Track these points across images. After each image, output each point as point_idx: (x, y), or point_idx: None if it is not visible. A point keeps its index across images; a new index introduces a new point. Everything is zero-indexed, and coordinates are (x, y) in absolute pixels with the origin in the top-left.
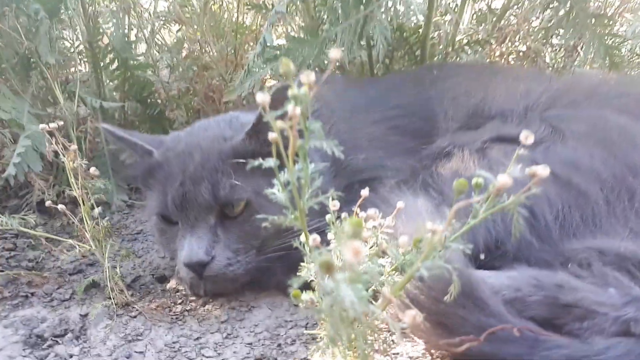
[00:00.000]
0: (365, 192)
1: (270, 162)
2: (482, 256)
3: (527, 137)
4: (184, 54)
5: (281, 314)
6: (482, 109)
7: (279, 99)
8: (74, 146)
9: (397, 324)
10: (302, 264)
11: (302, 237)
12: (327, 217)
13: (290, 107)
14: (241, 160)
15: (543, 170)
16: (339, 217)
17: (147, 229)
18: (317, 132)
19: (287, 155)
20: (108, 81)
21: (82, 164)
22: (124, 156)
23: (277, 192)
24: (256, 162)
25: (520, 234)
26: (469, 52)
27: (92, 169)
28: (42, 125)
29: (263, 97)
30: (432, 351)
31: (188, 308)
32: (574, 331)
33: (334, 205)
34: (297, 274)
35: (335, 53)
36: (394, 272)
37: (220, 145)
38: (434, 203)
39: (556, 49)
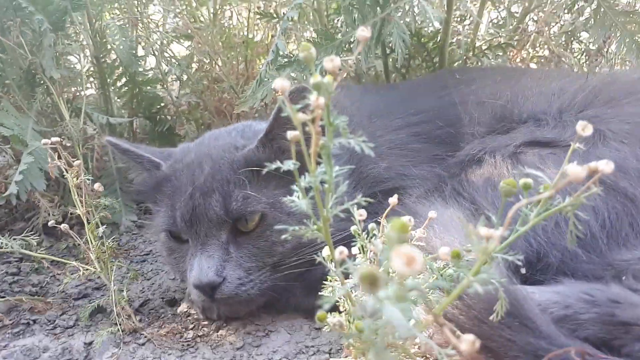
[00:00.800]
0: (393, 199)
1: (290, 165)
2: (523, 270)
3: (584, 127)
4: (193, 68)
5: (301, 338)
6: (511, 111)
7: (295, 100)
8: (78, 161)
9: (445, 350)
10: (325, 282)
11: (325, 251)
12: (353, 228)
13: (312, 98)
14: (255, 169)
15: (606, 166)
16: (365, 229)
17: (156, 250)
18: (342, 128)
19: (308, 155)
20: (116, 98)
21: (86, 179)
22: (132, 175)
23: (296, 200)
24: (273, 166)
25: (564, 245)
26: (490, 57)
27: (97, 185)
28: (44, 140)
29: (282, 83)
30: None
31: (200, 334)
32: (634, 353)
33: (360, 214)
34: (319, 293)
35: (336, 60)
36: (428, 289)
37: (232, 154)
38: (466, 213)
39: (578, 53)
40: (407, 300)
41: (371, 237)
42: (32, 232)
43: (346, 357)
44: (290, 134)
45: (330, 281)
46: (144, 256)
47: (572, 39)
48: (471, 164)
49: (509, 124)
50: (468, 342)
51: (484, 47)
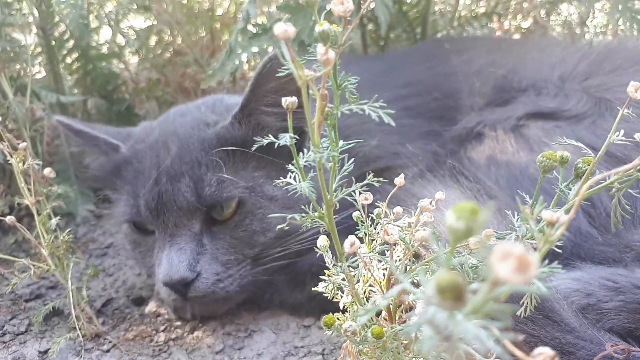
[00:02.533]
0: (399, 179)
1: (287, 138)
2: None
3: (637, 89)
4: (154, 40)
5: (288, 338)
6: (510, 81)
7: (273, 70)
8: (24, 144)
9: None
10: (312, 275)
11: (321, 241)
12: (355, 214)
13: (320, 49)
14: (230, 149)
15: None
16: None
17: (118, 242)
18: (350, 93)
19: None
20: (67, 75)
21: (35, 164)
22: (89, 159)
23: (292, 182)
24: (265, 141)
25: (575, 225)
26: (475, 26)
27: (47, 170)
28: None
29: (285, 28)
30: None
31: (173, 336)
32: None
33: (365, 197)
34: (307, 288)
35: (348, 3)
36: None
37: (202, 132)
38: (468, 194)
39: (558, 25)
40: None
41: (376, 225)
42: None
43: (345, 357)
44: (287, 100)
45: (330, 276)
46: (105, 249)
47: (553, 10)
48: (470, 139)
49: (508, 95)
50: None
51: (469, 17)
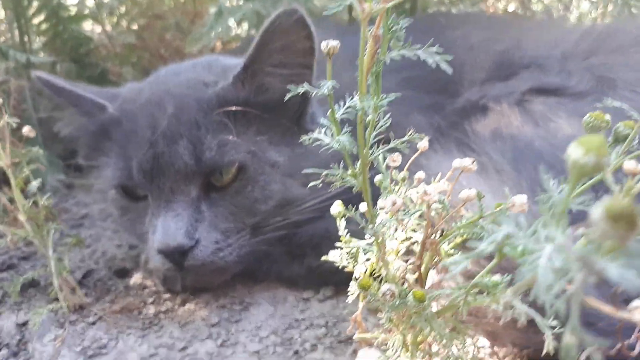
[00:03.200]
0: (423, 143)
1: (328, 86)
2: None
3: None
4: (132, 3)
5: (287, 311)
6: (512, 56)
7: (279, 30)
8: None
9: None
10: (311, 246)
11: (335, 208)
12: (378, 177)
13: None
14: (231, 109)
15: None
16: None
17: (93, 212)
18: (396, 40)
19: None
20: (36, 36)
21: (13, 123)
22: (58, 126)
23: (323, 137)
24: (300, 89)
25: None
26: (468, 5)
27: (27, 129)
28: None
29: None
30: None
31: (163, 309)
32: None
33: (394, 159)
34: (311, 260)
35: None
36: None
37: (200, 92)
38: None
39: (544, 9)
40: None
41: (399, 188)
42: None
43: (354, 329)
44: (328, 44)
45: (347, 242)
46: (80, 220)
47: None
48: (474, 112)
49: (509, 70)
50: None
51: None
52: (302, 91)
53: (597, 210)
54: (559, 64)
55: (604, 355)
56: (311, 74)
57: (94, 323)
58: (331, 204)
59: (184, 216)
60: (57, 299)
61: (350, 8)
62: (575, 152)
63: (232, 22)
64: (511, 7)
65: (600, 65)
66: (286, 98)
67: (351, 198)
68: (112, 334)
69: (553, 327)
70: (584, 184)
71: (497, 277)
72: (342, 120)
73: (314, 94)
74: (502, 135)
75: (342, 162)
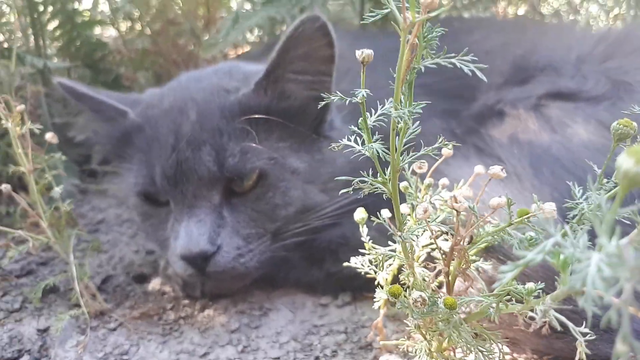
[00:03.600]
0: (448, 151)
1: (362, 94)
2: None
3: None
4: (147, 8)
5: (306, 316)
6: (528, 60)
7: (302, 37)
8: (21, 106)
9: None
10: (330, 252)
11: (359, 214)
12: (403, 184)
13: None
14: (253, 117)
15: None
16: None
17: (110, 217)
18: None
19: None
20: (50, 42)
21: (35, 129)
22: (73, 132)
23: (352, 144)
24: (334, 97)
25: None
26: (480, 9)
27: (50, 135)
28: None
29: None
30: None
31: (183, 315)
32: None
33: (419, 166)
34: (325, 265)
35: None
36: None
37: (223, 99)
38: None
39: (553, 12)
40: None
41: (424, 195)
42: None
43: (375, 336)
44: (363, 53)
45: (370, 249)
46: (96, 225)
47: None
48: (490, 117)
49: (526, 74)
50: None
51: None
52: (324, 98)
53: None
54: (574, 68)
55: None
56: (331, 81)
57: (114, 329)
58: (347, 210)
59: (207, 222)
60: (77, 305)
61: (362, 13)
62: (626, 163)
63: (248, 26)
64: (521, 11)
65: (616, 69)
66: (320, 105)
67: (368, 204)
68: (133, 340)
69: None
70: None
71: (530, 285)
72: (358, 126)
73: (346, 101)
74: (519, 140)
75: (359, 169)
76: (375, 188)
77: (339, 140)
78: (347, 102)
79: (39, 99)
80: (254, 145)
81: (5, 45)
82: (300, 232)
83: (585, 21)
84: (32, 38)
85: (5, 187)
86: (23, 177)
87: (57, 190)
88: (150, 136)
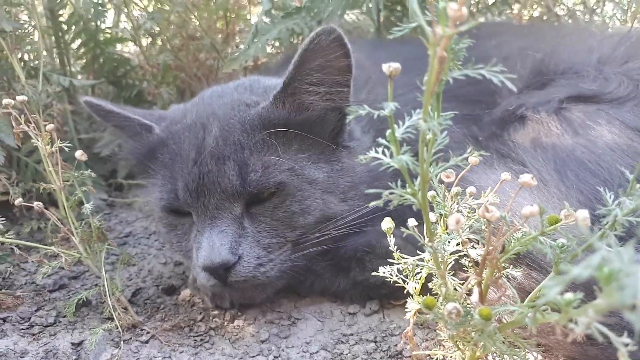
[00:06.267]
0: (474, 159)
1: (391, 107)
2: None
3: None
4: (165, 23)
5: (335, 326)
6: (547, 64)
7: (317, 49)
8: (51, 125)
9: None
10: (357, 261)
11: (386, 224)
12: (431, 193)
13: (452, 4)
14: (273, 130)
15: None
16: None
17: (137, 230)
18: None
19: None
20: (74, 60)
21: (65, 147)
22: (98, 146)
23: (382, 156)
24: (361, 112)
25: None
26: (496, 13)
27: (79, 153)
28: (5, 101)
29: None
30: None
31: (213, 326)
32: None
33: (447, 175)
34: (356, 274)
35: None
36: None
37: (243, 113)
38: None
39: (568, 12)
40: None
41: (454, 204)
42: None
43: (405, 345)
44: (391, 66)
45: (398, 259)
46: (124, 239)
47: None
48: (512, 121)
49: (546, 78)
50: None
51: (488, 2)
52: (342, 109)
53: None
54: (596, 70)
55: None
56: (349, 91)
57: (147, 341)
58: (367, 219)
59: (229, 233)
60: (110, 318)
61: (378, 21)
62: None
63: (266, 40)
64: (535, 13)
65: (638, 70)
66: (349, 119)
67: (390, 213)
68: (165, 352)
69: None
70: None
71: (569, 295)
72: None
73: (375, 114)
74: (543, 144)
75: (379, 178)
76: (405, 199)
77: (359, 151)
78: (389, 116)
79: (65, 116)
80: (275, 158)
81: (32, 64)
82: (319, 241)
83: (601, 21)
84: (56, 57)
85: (38, 204)
86: (53, 193)
87: (87, 207)
88: (173, 151)
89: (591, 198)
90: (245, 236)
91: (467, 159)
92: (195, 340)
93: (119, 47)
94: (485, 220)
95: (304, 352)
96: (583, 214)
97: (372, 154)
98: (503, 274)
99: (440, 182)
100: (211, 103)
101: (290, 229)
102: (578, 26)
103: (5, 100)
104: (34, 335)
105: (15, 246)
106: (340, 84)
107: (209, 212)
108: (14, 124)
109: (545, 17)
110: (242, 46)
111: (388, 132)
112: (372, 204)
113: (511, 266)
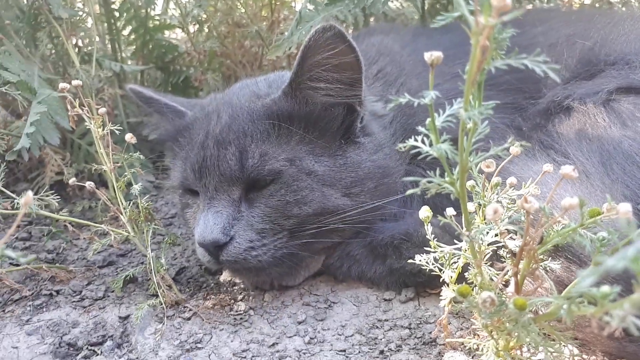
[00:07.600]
0: (516, 149)
1: (431, 96)
2: None
3: None
4: (212, 10)
5: (370, 311)
6: (597, 54)
7: (317, 46)
8: (103, 109)
9: None
10: (393, 247)
11: (423, 212)
12: (470, 183)
13: None
14: (276, 121)
15: None
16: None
17: None
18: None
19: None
20: (124, 46)
21: (115, 130)
22: (147, 131)
23: (422, 146)
24: (402, 99)
25: None
26: (544, 0)
27: (129, 136)
28: (62, 85)
29: None
30: None
31: (252, 305)
32: None
33: (487, 165)
34: (393, 261)
35: None
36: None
37: (252, 104)
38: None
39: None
40: None
41: (493, 194)
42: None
43: (439, 332)
44: (432, 55)
45: (435, 247)
46: (170, 219)
47: None
48: (558, 112)
49: (595, 68)
50: None
51: None
52: (351, 105)
53: None
54: None
55: None
56: (357, 87)
57: (189, 318)
58: (375, 214)
59: (224, 213)
60: (155, 295)
61: (423, 9)
62: None
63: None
64: (587, 0)
65: None
66: (362, 114)
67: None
68: (206, 329)
69: None
70: None
71: (606, 288)
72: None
73: (415, 103)
74: (589, 136)
75: (389, 174)
76: (443, 187)
77: (371, 147)
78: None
79: (115, 100)
80: (273, 147)
81: (86, 50)
82: (319, 232)
83: None
84: (108, 43)
85: (90, 184)
86: (103, 174)
87: (136, 188)
88: (190, 135)
89: (638, 192)
90: (240, 219)
91: (508, 149)
92: (235, 318)
93: (167, 33)
94: (524, 211)
95: (339, 334)
96: (625, 207)
97: (410, 142)
98: (541, 265)
99: (480, 172)
100: (233, 93)
101: (284, 218)
102: (632, 13)
103: (62, 85)
104: (84, 307)
105: (69, 223)
106: (345, 80)
107: (209, 192)
108: (68, 107)
109: (597, 5)
110: (286, 33)
111: (428, 120)
112: (409, 192)
113: (549, 259)
